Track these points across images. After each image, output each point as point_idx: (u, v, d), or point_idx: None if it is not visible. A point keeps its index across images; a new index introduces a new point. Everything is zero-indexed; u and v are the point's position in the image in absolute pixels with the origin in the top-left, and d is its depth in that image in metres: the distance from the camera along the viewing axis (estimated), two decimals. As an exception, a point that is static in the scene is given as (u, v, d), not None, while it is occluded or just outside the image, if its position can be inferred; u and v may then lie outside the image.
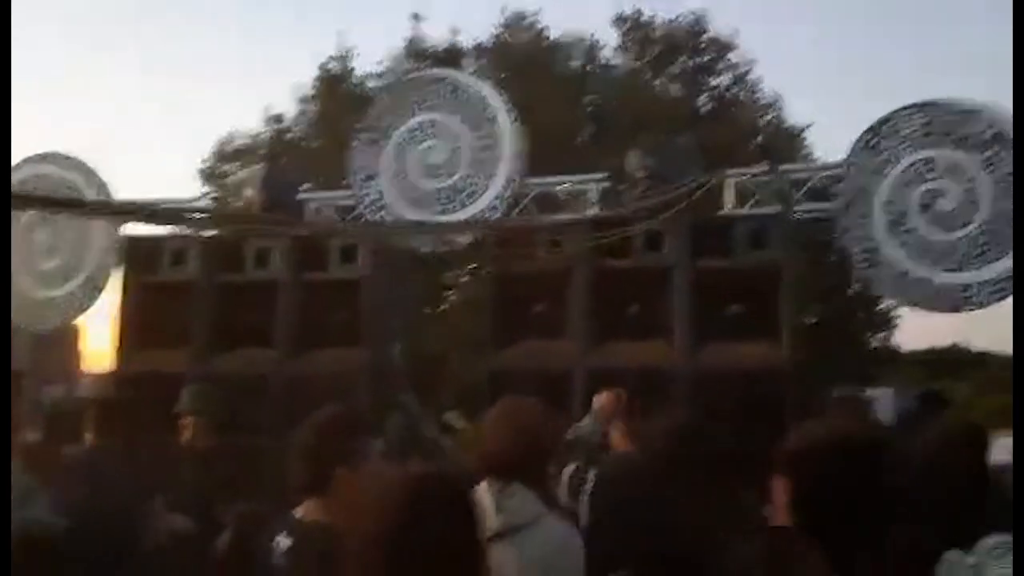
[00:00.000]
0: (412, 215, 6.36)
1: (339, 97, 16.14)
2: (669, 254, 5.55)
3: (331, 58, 17.03)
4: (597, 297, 5.66)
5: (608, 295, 5.68)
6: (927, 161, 5.67)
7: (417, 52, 16.59)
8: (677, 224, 5.56)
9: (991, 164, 5.53)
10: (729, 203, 6.18)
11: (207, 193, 16.38)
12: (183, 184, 21.76)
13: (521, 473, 2.19)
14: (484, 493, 2.16)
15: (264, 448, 4.98)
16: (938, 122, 5.64)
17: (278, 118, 17.65)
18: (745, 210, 6.07)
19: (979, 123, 5.56)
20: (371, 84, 16.29)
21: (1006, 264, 5.45)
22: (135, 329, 6.39)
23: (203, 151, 18.41)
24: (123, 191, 7.26)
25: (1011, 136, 5.48)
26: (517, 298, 5.92)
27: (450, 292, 15.93)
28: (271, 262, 6.21)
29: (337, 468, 2.04)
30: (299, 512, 2.08)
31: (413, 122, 6.49)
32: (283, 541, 1.93)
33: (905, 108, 5.78)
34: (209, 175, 17.56)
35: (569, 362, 5.58)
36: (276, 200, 6.58)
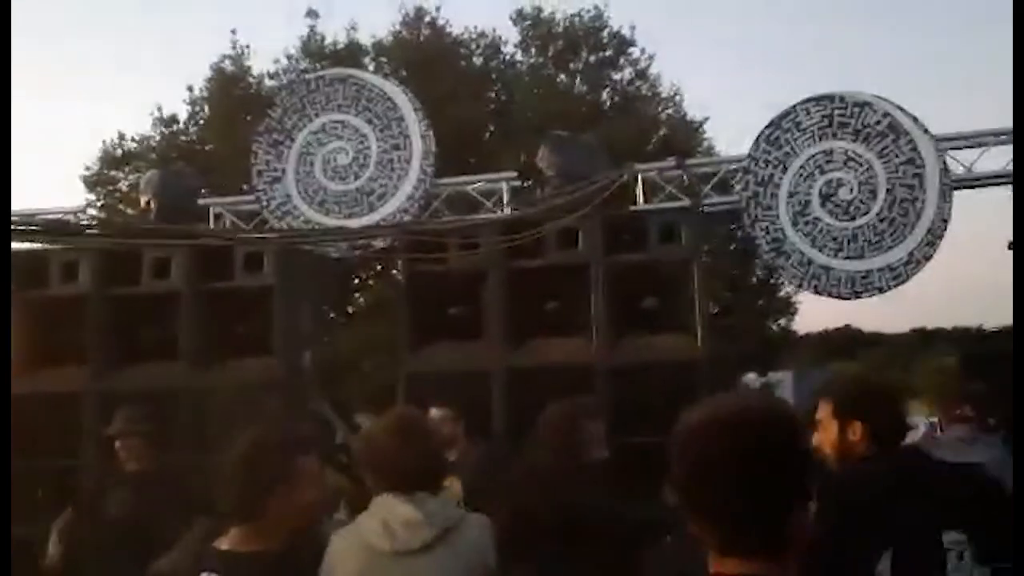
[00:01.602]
0: (320, 218, 6.18)
1: (234, 98, 15.62)
2: (584, 250, 5.56)
3: (225, 57, 16.47)
4: (513, 296, 5.62)
5: (524, 294, 5.65)
6: (827, 152, 5.87)
7: (315, 51, 16.20)
8: (590, 220, 5.58)
9: (886, 154, 5.76)
10: (639, 197, 6.25)
11: (93, 201, 15.61)
12: (64, 192, 20.71)
13: (426, 485, 2.24)
14: (396, 505, 2.18)
15: (200, 466, 4.77)
16: (836, 115, 5.84)
17: (171, 120, 16.95)
18: (655, 204, 6.14)
19: (874, 114, 5.79)
20: (268, 84, 15.84)
21: (904, 250, 5.70)
22: (28, 348, 5.99)
23: (88, 157, 17.46)
24: None
25: (903, 126, 5.73)
26: (431, 300, 5.82)
27: (357, 295, 15.66)
28: (170, 272, 5.93)
29: (271, 492, 1.94)
30: (224, 543, 1.97)
31: (317, 123, 6.31)
32: None
33: (804, 102, 5.97)
34: (95, 182, 16.71)
35: (488, 363, 5.52)
36: (174, 206, 6.28)
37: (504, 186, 6.35)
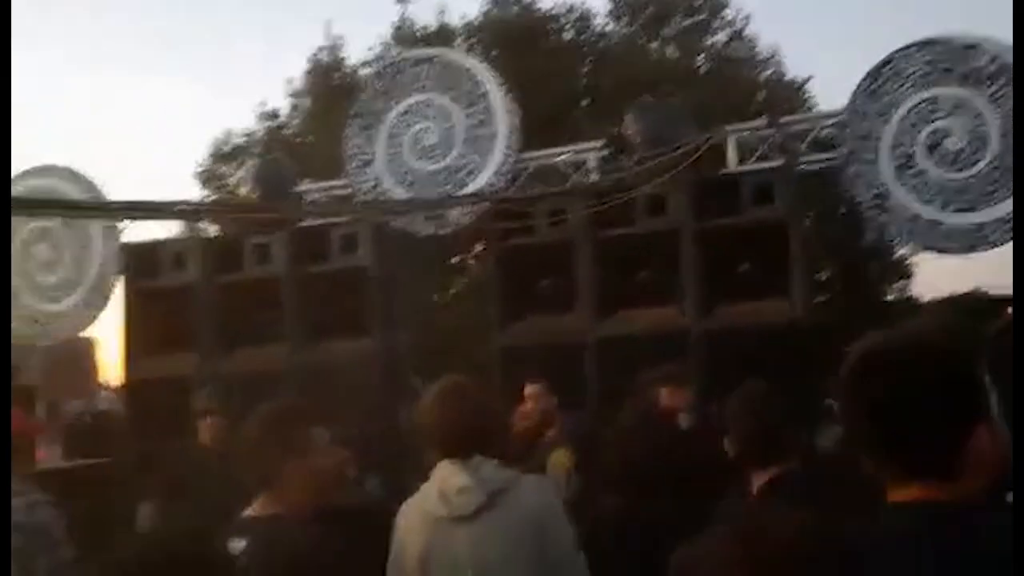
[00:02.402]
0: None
1: (332, 88, 16.00)
2: (674, 217, 5.44)
3: (321, 48, 16.88)
4: (604, 266, 5.57)
5: (615, 263, 5.58)
6: (931, 101, 5.53)
7: (406, 36, 16.39)
8: (680, 186, 5.45)
9: (997, 98, 5.38)
10: (732, 160, 6.06)
11: (207, 196, 16.36)
12: (182, 189, 21.72)
13: (480, 448, 2.26)
14: (451, 472, 2.22)
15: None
16: (939, 60, 5.49)
17: (273, 114, 17.52)
18: (748, 166, 5.94)
19: (981, 57, 5.40)
20: (363, 72, 16.14)
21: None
22: (142, 336, 6.35)
23: (199, 154, 18.29)
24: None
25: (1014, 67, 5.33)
26: (522, 273, 5.83)
27: (460, 277, 15.85)
28: (271, 257, 6.14)
29: (285, 460, 2.03)
30: (251, 510, 2.07)
31: (404, 104, 6.39)
32: (237, 544, 1.90)
33: (904, 48, 5.63)
34: (207, 177, 17.47)
35: (580, 335, 5.49)
36: (271, 194, 6.50)
37: (591, 156, 6.28)
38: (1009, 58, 5.32)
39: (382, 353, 5.93)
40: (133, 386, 6.40)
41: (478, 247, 13.61)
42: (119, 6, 35.86)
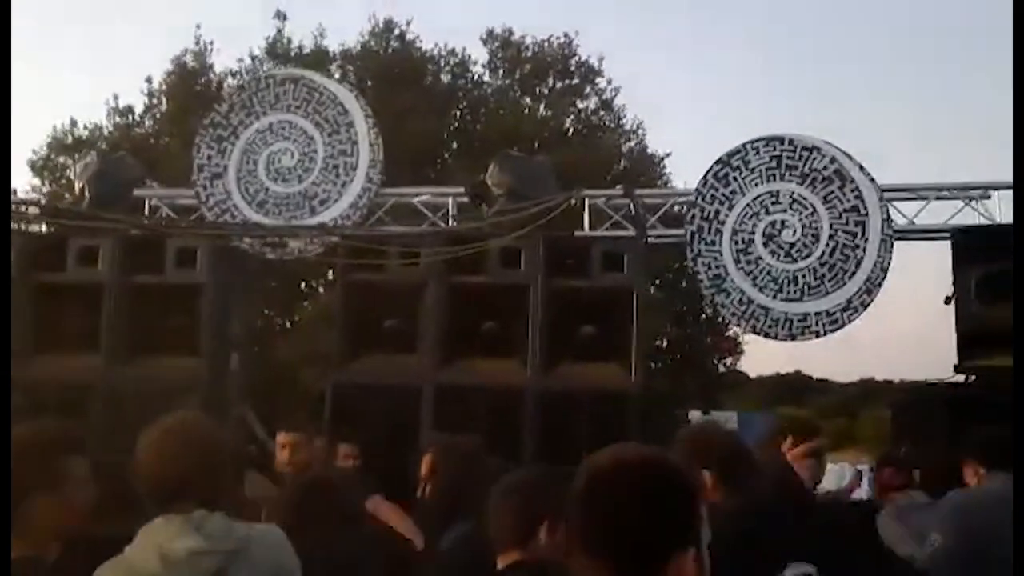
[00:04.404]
0: (260, 219, 6.03)
1: (193, 93, 15.35)
2: (525, 271, 5.48)
3: (187, 51, 16.21)
4: (450, 312, 5.52)
5: (462, 311, 5.55)
6: (772, 194, 5.89)
7: (280, 53, 16.03)
8: (534, 242, 5.51)
9: (831, 200, 5.80)
10: (586, 223, 6.21)
11: (37, 186, 15.22)
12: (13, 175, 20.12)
13: (205, 499, 1.94)
14: (175, 532, 1.88)
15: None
16: (783, 157, 5.88)
17: (126, 110, 16.60)
18: (601, 231, 6.10)
19: (821, 159, 5.83)
20: (227, 82, 15.62)
21: (843, 296, 5.72)
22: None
23: (36, 142, 17.03)
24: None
25: (849, 173, 5.78)
26: (368, 310, 5.69)
27: (305, 303, 15.40)
28: (97, 262, 5.71)
29: (33, 493, 1.79)
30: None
31: (265, 122, 6.17)
32: None
33: (753, 141, 5.99)
34: (41, 167, 16.27)
35: (419, 377, 5.40)
36: (110, 193, 6.08)
37: (451, 201, 6.27)
38: (845, 163, 5.77)
39: (210, 376, 5.60)
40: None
41: (328, 274, 13.31)
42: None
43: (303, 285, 15.25)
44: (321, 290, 15.21)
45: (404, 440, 5.02)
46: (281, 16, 16.36)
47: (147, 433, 1.99)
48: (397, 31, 16.81)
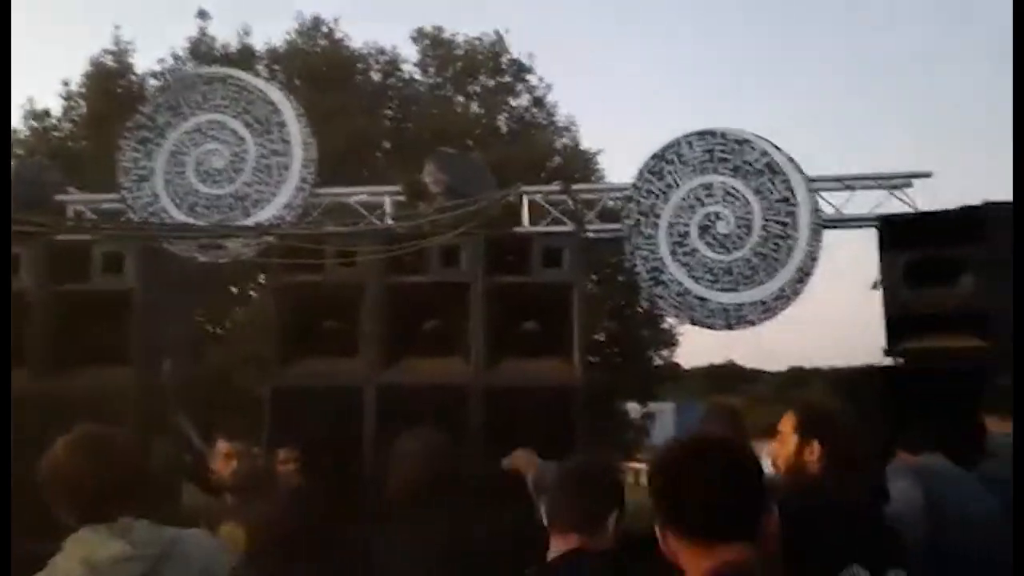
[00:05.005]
0: (191, 222, 5.87)
1: (113, 95, 14.87)
2: (465, 269, 5.46)
3: (105, 52, 15.68)
4: (391, 312, 5.46)
5: (402, 311, 5.50)
6: (706, 186, 5.99)
7: (204, 53, 15.64)
8: (474, 239, 5.49)
9: (762, 191, 5.93)
10: (525, 220, 6.21)
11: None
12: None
13: (125, 508, 1.96)
14: (99, 540, 1.87)
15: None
16: (717, 150, 5.98)
17: (43, 114, 15.98)
18: (540, 227, 6.12)
19: (752, 152, 5.95)
20: (150, 83, 15.17)
21: (776, 285, 5.85)
22: None
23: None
24: None
25: (779, 165, 5.92)
26: (305, 312, 5.59)
27: (237, 308, 15.08)
28: (19, 269, 5.49)
29: None
30: None
31: (192, 123, 6.01)
32: None
33: (687, 135, 6.09)
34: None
35: (360, 379, 5.33)
36: (29, 199, 5.83)
37: (387, 199, 6.20)
38: (775, 156, 5.90)
39: (141, 385, 5.43)
40: None
41: (260, 277, 13.06)
42: None
43: (234, 289, 14.92)
44: (253, 293, 14.91)
45: (347, 442, 4.96)
46: (204, 15, 15.98)
47: (55, 448, 1.96)
48: (324, 29, 16.59)
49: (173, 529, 2.00)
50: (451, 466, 2.97)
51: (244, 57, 15.33)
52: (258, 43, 16.18)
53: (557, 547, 2.14)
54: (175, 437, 5.93)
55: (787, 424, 2.46)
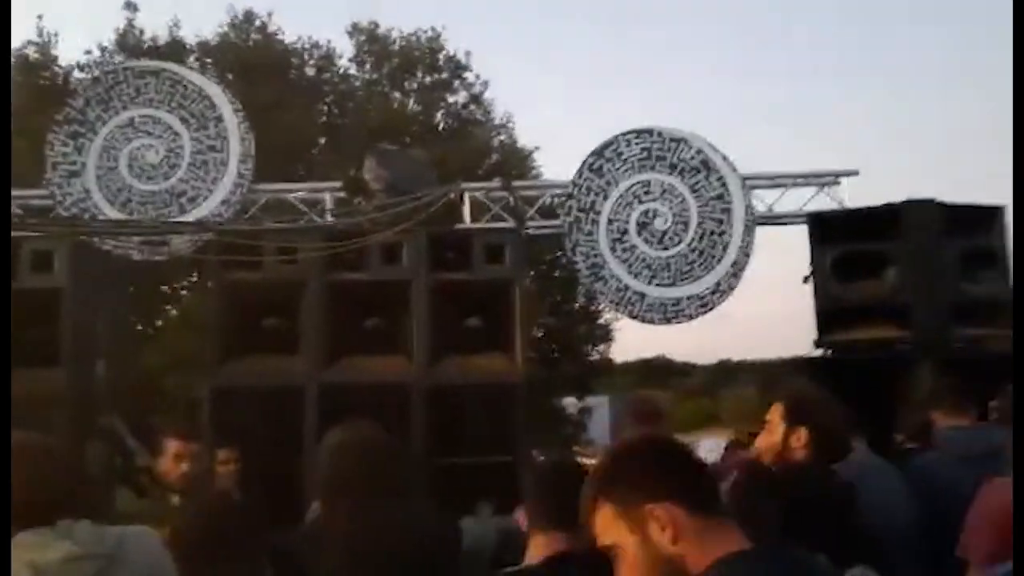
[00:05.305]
0: (124, 219, 5.73)
1: (37, 88, 14.37)
2: (407, 266, 5.45)
3: (29, 43, 15.14)
4: (332, 310, 5.42)
5: (344, 308, 5.46)
6: (644, 184, 6.11)
7: (132, 45, 15.22)
8: (415, 236, 5.48)
9: (698, 189, 6.07)
10: (466, 217, 6.24)
11: None
12: None
13: (65, 511, 1.91)
14: (42, 543, 1.82)
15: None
16: (654, 148, 6.10)
17: (-40, 106, 15.33)
18: (481, 224, 6.15)
19: (689, 150, 6.08)
20: (77, 75, 14.71)
21: (711, 280, 6.00)
22: None
23: None
24: None
25: (714, 163, 6.07)
26: (244, 311, 5.50)
27: (169, 307, 14.73)
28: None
29: None
30: None
31: (124, 117, 5.87)
32: None
33: (625, 133, 6.19)
34: None
35: (301, 378, 5.28)
36: (-50, 197, 5.61)
37: (328, 196, 6.16)
38: (710, 154, 6.05)
39: (72, 386, 5.28)
40: None
41: (193, 275, 12.79)
42: None
43: (166, 287, 14.58)
44: (185, 292, 14.59)
45: (288, 442, 4.91)
46: (132, 6, 15.54)
47: None
48: (258, 23, 16.31)
49: (116, 528, 1.97)
50: (385, 460, 2.89)
51: (174, 50, 14.95)
52: (189, 36, 15.84)
53: (539, 549, 2.10)
54: (108, 440, 5.79)
55: (775, 413, 2.48)
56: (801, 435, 2.36)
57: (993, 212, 5.54)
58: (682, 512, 1.37)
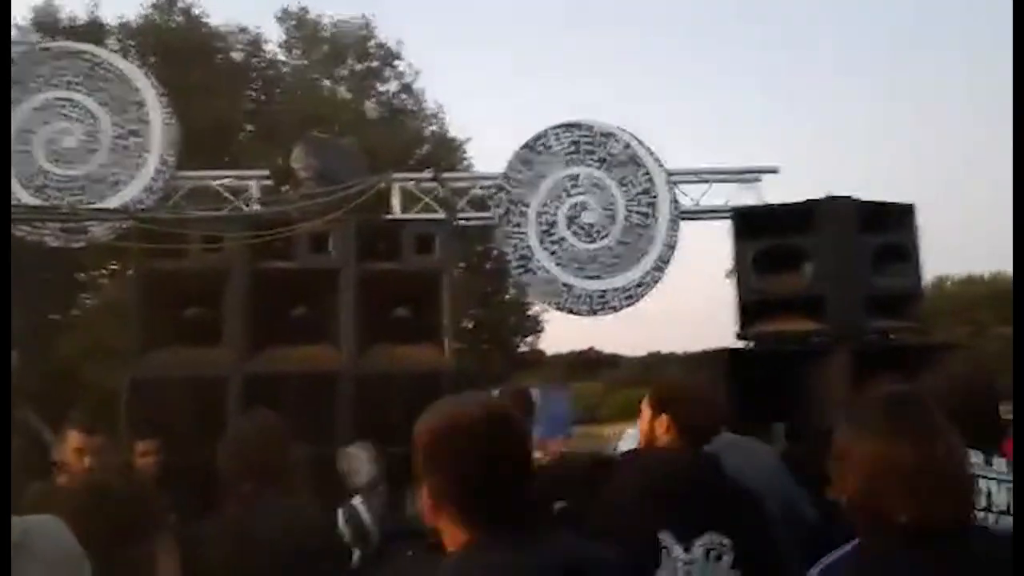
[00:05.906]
0: (39, 204, 5.53)
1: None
2: (335, 255, 5.41)
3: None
4: (257, 299, 5.35)
5: (270, 298, 5.39)
6: (573, 177, 6.19)
7: (48, 24, 14.65)
8: (344, 225, 5.45)
9: (625, 183, 6.18)
10: (396, 207, 6.22)
11: None
12: None
13: None
14: None
15: None
16: (583, 142, 6.18)
17: None
18: (411, 215, 6.14)
19: (617, 144, 6.18)
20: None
21: (637, 272, 6.12)
22: None
23: None
24: None
25: (641, 157, 6.18)
26: (166, 300, 5.39)
27: (86, 295, 14.26)
28: None
29: None
30: None
31: (40, 99, 5.66)
32: None
33: (555, 127, 6.26)
34: None
35: (224, 368, 5.20)
36: None
37: (254, 184, 6.05)
38: (638, 149, 6.16)
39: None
40: None
41: (112, 263, 12.41)
42: None
43: (82, 275, 14.11)
44: (103, 280, 14.14)
45: (210, 433, 4.83)
46: (48, -17, 14.94)
47: None
48: (181, 4, 15.87)
49: (19, 518, 1.90)
50: (283, 450, 2.89)
51: (93, 30, 14.46)
52: (109, 17, 15.32)
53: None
54: (21, 432, 5.60)
55: (644, 402, 2.63)
56: (663, 421, 2.52)
57: (906, 209, 5.79)
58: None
